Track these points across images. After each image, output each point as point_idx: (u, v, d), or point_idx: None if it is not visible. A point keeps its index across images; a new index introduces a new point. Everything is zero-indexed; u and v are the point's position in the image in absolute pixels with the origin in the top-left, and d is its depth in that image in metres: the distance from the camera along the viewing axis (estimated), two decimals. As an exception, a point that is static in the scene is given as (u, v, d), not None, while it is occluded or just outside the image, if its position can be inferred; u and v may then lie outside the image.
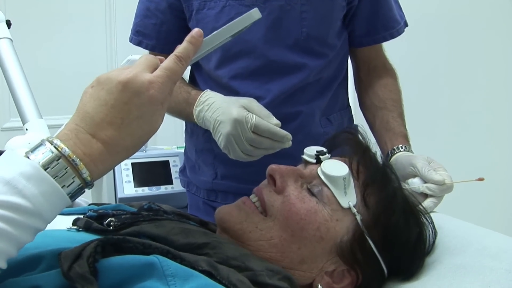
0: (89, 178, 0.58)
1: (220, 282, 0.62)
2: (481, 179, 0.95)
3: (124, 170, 1.88)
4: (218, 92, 1.13)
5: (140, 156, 1.93)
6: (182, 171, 1.45)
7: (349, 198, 0.77)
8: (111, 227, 0.75)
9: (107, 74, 0.61)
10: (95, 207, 0.85)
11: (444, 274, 0.75)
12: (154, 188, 1.88)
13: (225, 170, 1.27)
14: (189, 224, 0.83)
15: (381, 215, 0.77)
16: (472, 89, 2.41)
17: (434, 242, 0.83)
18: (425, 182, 0.98)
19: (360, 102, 1.36)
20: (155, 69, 0.63)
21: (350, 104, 1.40)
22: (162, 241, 0.70)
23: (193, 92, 1.16)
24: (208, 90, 1.14)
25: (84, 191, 0.59)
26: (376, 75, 1.32)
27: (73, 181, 0.56)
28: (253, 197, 0.82)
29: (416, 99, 2.02)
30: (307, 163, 0.85)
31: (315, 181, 0.80)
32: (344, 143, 0.86)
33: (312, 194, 0.78)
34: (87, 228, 0.74)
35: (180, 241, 0.70)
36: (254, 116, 1.00)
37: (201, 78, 1.30)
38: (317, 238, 0.75)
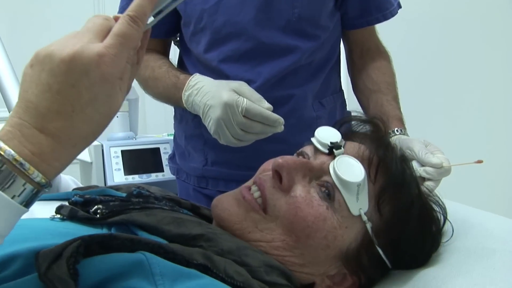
0: (43, 181, 0.49)
1: (216, 275, 0.59)
2: (479, 162, 0.93)
3: (114, 158, 1.85)
4: (208, 76, 1.10)
5: (130, 144, 1.91)
6: (172, 158, 1.43)
7: (360, 205, 0.71)
8: (98, 215, 0.69)
9: (47, 49, 0.50)
10: (80, 192, 0.79)
11: (447, 258, 0.74)
12: (144, 176, 1.86)
13: (215, 156, 1.24)
14: (182, 213, 0.78)
15: (394, 225, 0.73)
16: (470, 77, 2.42)
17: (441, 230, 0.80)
18: (422, 166, 0.96)
19: (353, 85, 1.33)
20: (108, 33, 0.52)
21: (343, 88, 1.37)
22: (153, 231, 0.66)
23: (182, 76, 1.13)
24: (197, 74, 1.11)
25: (43, 193, 0.51)
26: (370, 58, 1.29)
27: (25, 188, 0.48)
28: (254, 190, 0.74)
29: (413, 86, 2.01)
30: (317, 150, 0.77)
31: (325, 178, 0.73)
32: (363, 132, 0.81)
33: (322, 196, 0.71)
34: (72, 216, 0.69)
35: (172, 232, 0.66)
36: (245, 100, 0.98)
37: (190, 62, 1.27)
38: (323, 246, 0.70)
